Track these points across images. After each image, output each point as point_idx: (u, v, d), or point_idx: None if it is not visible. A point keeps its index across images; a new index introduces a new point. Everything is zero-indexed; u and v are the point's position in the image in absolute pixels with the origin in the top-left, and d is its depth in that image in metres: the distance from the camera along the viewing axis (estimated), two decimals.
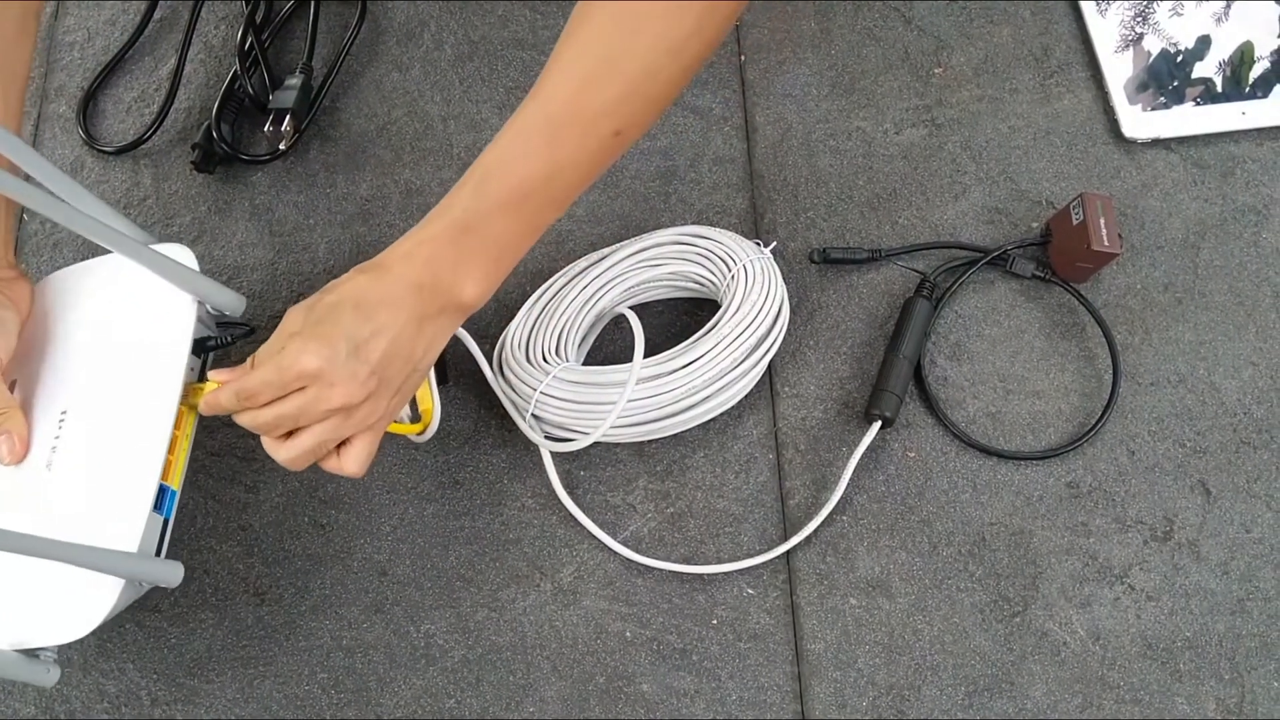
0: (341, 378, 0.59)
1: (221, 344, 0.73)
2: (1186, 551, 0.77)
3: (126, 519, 0.64)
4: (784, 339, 0.78)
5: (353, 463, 0.64)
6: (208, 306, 0.71)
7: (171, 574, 0.66)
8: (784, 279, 0.79)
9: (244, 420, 0.62)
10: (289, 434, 0.62)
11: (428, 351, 0.63)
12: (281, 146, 0.85)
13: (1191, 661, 0.74)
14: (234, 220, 0.84)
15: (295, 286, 0.82)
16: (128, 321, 0.71)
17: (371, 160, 0.86)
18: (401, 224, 0.84)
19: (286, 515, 0.76)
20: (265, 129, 0.84)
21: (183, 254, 0.70)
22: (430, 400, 0.74)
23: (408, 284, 0.60)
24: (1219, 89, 0.91)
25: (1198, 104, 0.90)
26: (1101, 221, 0.79)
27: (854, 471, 0.76)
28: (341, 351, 0.59)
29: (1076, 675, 0.73)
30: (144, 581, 0.66)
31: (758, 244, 0.79)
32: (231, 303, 0.72)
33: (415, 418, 0.74)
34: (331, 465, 0.64)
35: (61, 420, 0.69)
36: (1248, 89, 0.91)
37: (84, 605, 0.63)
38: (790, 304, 0.79)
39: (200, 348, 0.71)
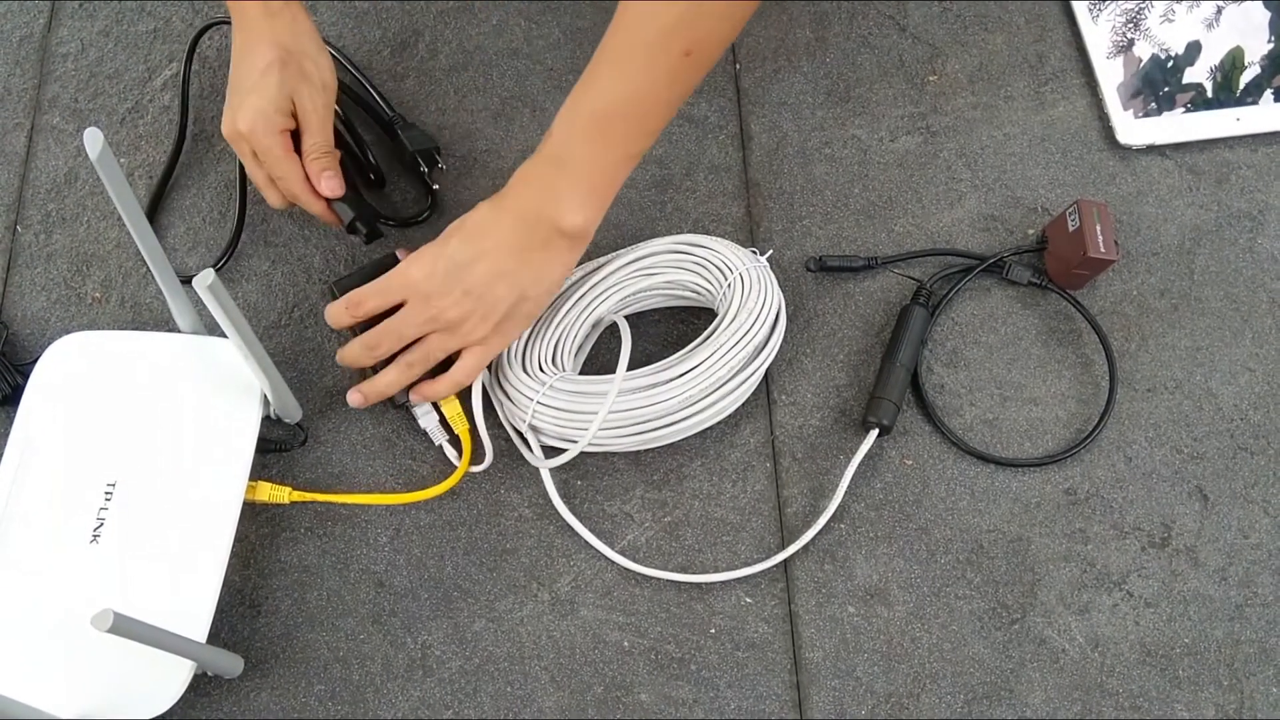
0: (437, 292, 0.67)
1: (281, 448, 0.77)
2: (1184, 558, 0.76)
3: (194, 611, 0.67)
4: (780, 347, 0.78)
5: (461, 372, 0.71)
6: (272, 409, 0.74)
7: (233, 665, 0.69)
8: (780, 287, 0.79)
9: (350, 353, 0.71)
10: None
11: (538, 280, 0.69)
12: None
13: (1190, 668, 0.74)
14: (228, 230, 0.84)
15: (291, 297, 0.82)
16: (189, 405, 0.73)
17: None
18: (396, 233, 0.84)
19: (283, 526, 0.75)
20: None
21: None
22: (464, 423, 0.76)
23: (513, 216, 0.67)
24: (1209, 95, 0.91)
25: (1188, 110, 0.90)
26: (1098, 228, 0.79)
27: (851, 479, 0.76)
28: (440, 270, 0.67)
29: (1075, 682, 0.73)
30: (208, 670, 0.68)
31: (754, 252, 0.79)
32: (292, 410, 0.75)
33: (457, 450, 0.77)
34: (443, 383, 0.72)
35: (109, 492, 0.70)
36: (1238, 95, 0.91)
37: (154, 686, 0.65)
38: (787, 312, 0.79)
39: (261, 446, 0.74)
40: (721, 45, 0.64)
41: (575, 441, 0.74)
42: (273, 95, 0.73)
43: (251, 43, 0.74)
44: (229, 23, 0.83)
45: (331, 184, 0.75)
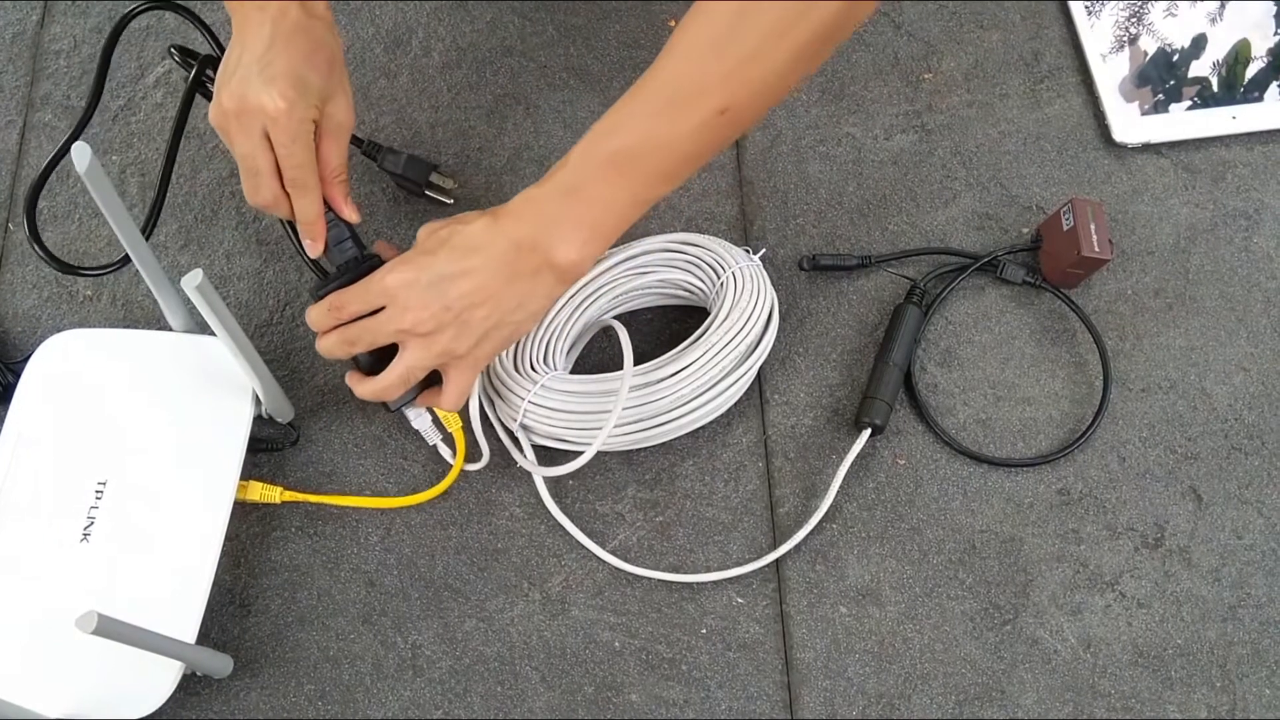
0: (415, 303, 0.63)
1: (272, 447, 0.77)
2: (1178, 558, 0.76)
3: (184, 612, 0.67)
4: (773, 346, 0.78)
5: (446, 399, 0.68)
6: (264, 408, 0.74)
7: (223, 665, 0.69)
8: (773, 286, 0.78)
9: (326, 343, 0.67)
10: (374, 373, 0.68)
11: (520, 307, 0.65)
12: None
13: (1183, 669, 0.73)
14: (220, 229, 0.84)
15: (282, 296, 0.82)
16: (181, 403, 0.73)
17: (359, 168, 0.86)
18: (389, 232, 0.84)
19: (273, 526, 0.75)
20: None
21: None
22: (458, 422, 0.76)
23: (508, 239, 0.63)
24: (1214, 88, 0.90)
25: (1194, 103, 0.90)
26: (1092, 227, 0.79)
27: (844, 479, 0.76)
28: (423, 280, 0.63)
29: (1067, 683, 0.73)
30: (197, 670, 0.68)
31: (747, 251, 0.79)
32: (284, 409, 0.75)
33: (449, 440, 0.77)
34: (429, 400, 0.71)
35: (100, 491, 0.70)
36: (1243, 88, 0.90)
37: (143, 686, 0.65)
38: (780, 311, 0.79)
39: (252, 445, 0.74)
40: (760, 112, 0.62)
41: (569, 440, 0.74)
42: (319, 84, 0.65)
43: (291, 34, 0.65)
44: (162, 6, 0.79)
45: (355, 210, 0.70)
